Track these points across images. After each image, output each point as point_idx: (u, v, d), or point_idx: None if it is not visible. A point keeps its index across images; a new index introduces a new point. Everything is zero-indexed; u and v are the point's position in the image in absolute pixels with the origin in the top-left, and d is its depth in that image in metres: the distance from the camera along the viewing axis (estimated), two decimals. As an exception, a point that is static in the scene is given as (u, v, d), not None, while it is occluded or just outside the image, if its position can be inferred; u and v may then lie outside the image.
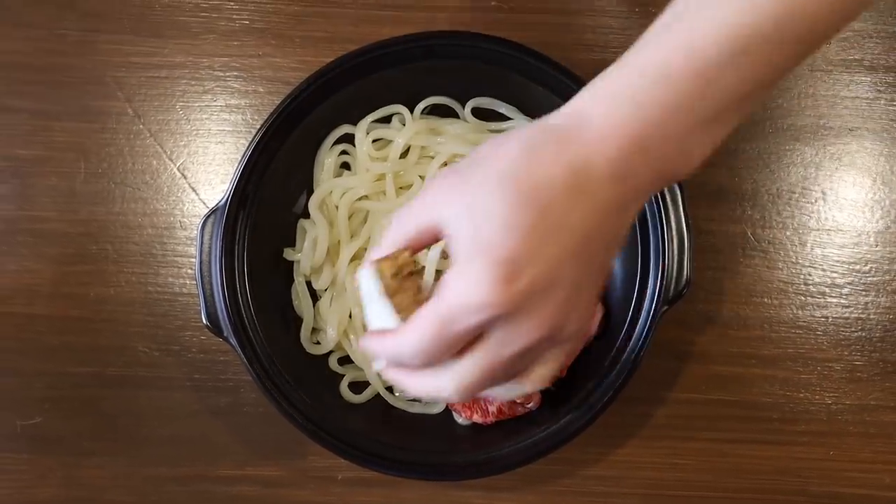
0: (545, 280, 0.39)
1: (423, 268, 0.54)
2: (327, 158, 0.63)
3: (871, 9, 0.50)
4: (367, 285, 0.47)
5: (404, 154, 0.63)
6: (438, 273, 0.60)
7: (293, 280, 0.62)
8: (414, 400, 0.61)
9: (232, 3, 0.67)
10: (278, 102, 0.59)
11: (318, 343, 0.62)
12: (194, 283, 0.65)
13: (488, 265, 0.38)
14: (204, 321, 0.58)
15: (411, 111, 0.63)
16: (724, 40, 0.37)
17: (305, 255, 0.61)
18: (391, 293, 0.46)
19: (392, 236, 0.43)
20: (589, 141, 0.38)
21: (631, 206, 0.40)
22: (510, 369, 0.42)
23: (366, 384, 0.61)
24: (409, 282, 0.48)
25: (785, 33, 0.37)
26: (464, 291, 0.38)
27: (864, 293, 0.66)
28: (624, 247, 0.60)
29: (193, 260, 0.65)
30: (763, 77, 0.38)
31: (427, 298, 0.43)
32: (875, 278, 0.66)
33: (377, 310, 0.48)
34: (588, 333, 0.60)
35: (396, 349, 0.42)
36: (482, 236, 0.38)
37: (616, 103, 0.39)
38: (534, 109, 0.62)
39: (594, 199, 0.39)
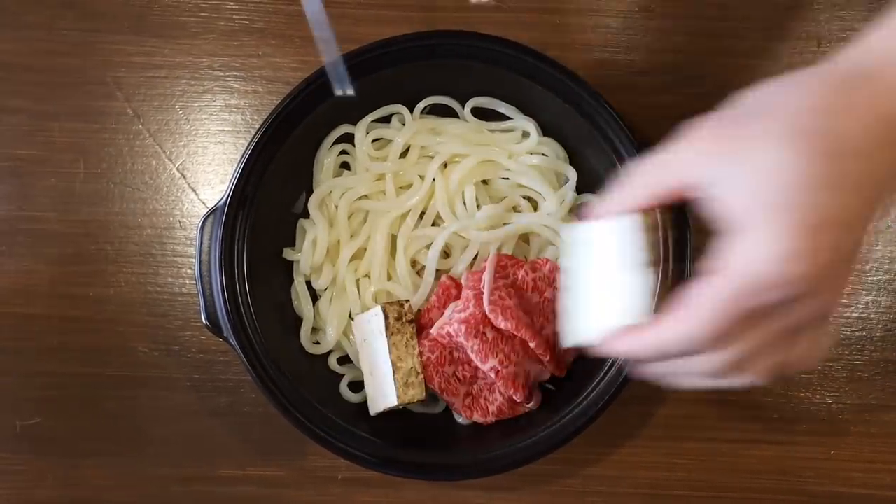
0: (847, 251, 0.34)
1: (413, 320, 0.58)
2: (327, 158, 0.62)
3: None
4: (376, 322, 0.51)
5: (404, 154, 0.63)
6: (439, 273, 0.60)
7: (293, 280, 0.62)
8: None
9: (231, 3, 0.67)
10: (278, 102, 0.59)
11: (318, 343, 0.62)
12: (194, 283, 0.65)
13: (795, 230, 0.33)
14: (204, 321, 0.58)
15: (411, 111, 0.63)
16: None
17: (305, 254, 0.61)
18: (391, 333, 0.50)
19: (630, 191, 0.38)
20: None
21: None
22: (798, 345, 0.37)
23: (366, 384, 0.61)
24: (408, 327, 0.54)
25: None
26: (763, 263, 0.33)
27: (864, 292, 0.65)
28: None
29: (193, 260, 0.65)
30: None
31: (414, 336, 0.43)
32: (876, 277, 0.66)
33: (377, 347, 0.51)
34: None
35: (676, 335, 0.36)
36: (778, 198, 0.33)
37: None
38: (533, 109, 0.62)
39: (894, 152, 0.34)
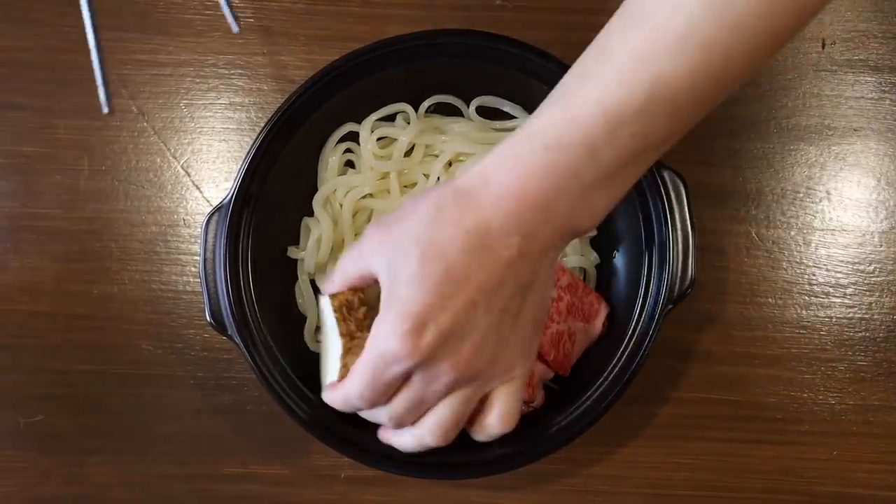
0: (453, 330, 0.43)
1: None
2: (331, 157, 0.62)
3: (732, 96, 0.51)
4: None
5: (409, 152, 0.63)
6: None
7: (297, 278, 0.62)
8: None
9: (237, 1, 0.67)
10: (283, 100, 0.59)
11: (321, 342, 0.61)
12: (198, 280, 0.65)
13: (400, 319, 0.43)
14: (208, 319, 0.58)
15: (416, 109, 0.63)
16: (602, 114, 0.41)
17: (309, 253, 0.61)
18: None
19: (338, 279, 0.49)
20: (486, 203, 0.42)
21: (542, 256, 0.44)
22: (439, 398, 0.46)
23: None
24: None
25: (655, 111, 0.41)
26: (382, 344, 0.44)
27: (868, 293, 0.65)
28: (628, 246, 0.60)
29: (197, 258, 0.65)
30: (643, 146, 0.42)
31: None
32: (879, 278, 0.66)
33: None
34: (587, 341, 0.60)
35: (346, 397, 0.47)
36: (396, 290, 0.43)
37: (512, 167, 0.42)
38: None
39: (495, 254, 0.43)
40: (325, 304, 0.53)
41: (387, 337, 0.43)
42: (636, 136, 0.42)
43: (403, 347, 0.43)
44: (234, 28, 0.59)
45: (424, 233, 0.43)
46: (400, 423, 0.48)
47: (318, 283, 0.62)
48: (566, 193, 0.42)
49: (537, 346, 0.49)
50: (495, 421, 0.48)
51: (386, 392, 0.46)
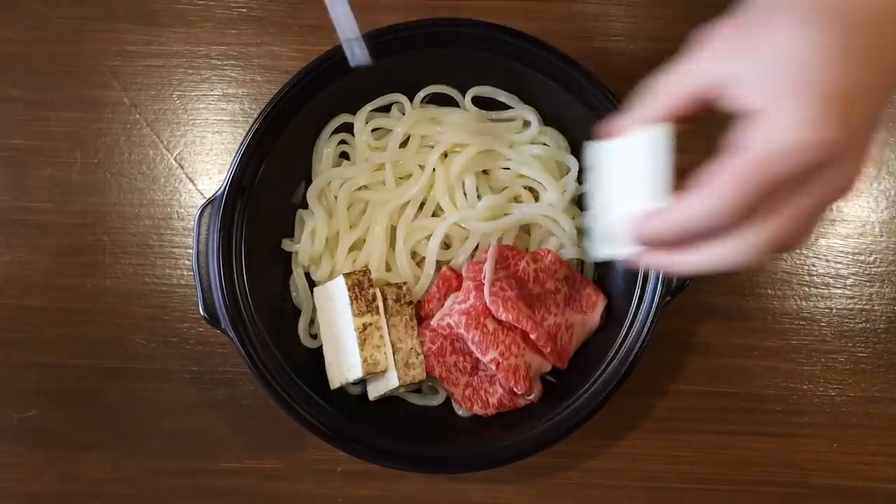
0: (869, 119, 0.36)
1: (411, 302, 0.59)
2: (326, 148, 0.62)
3: None
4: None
5: (404, 143, 0.62)
6: (439, 264, 0.60)
7: (291, 271, 0.62)
8: (415, 391, 0.61)
9: (229, -9, 0.67)
10: (276, 91, 0.58)
11: (315, 336, 0.61)
12: (192, 274, 0.64)
13: (817, 102, 0.34)
14: (201, 313, 0.57)
15: (411, 100, 0.62)
16: None
17: (304, 245, 0.61)
18: (389, 314, 0.51)
19: (653, 102, 0.39)
20: None
21: None
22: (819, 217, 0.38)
23: (365, 376, 0.61)
24: (406, 308, 0.55)
25: None
26: (787, 130, 0.34)
27: (868, 284, 0.65)
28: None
29: (191, 251, 0.64)
30: None
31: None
32: (880, 269, 0.65)
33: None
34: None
35: (694, 215, 0.37)
36: (803, 76, 0.34)
37: None
38: (534, 98, 0.62)
39: None
40: (327, 290, 0.53)
41: (794, 122, 0.34)
42: None
43: (825, 129, 0.34)
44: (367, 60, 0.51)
45: (827, 3, 0.35)
46: (782, 246, 0.37)
47: (313, 276, 0.61)
48: None
49: None
50: (817, 218, 0.38)
51: (768, 197, 0.35)
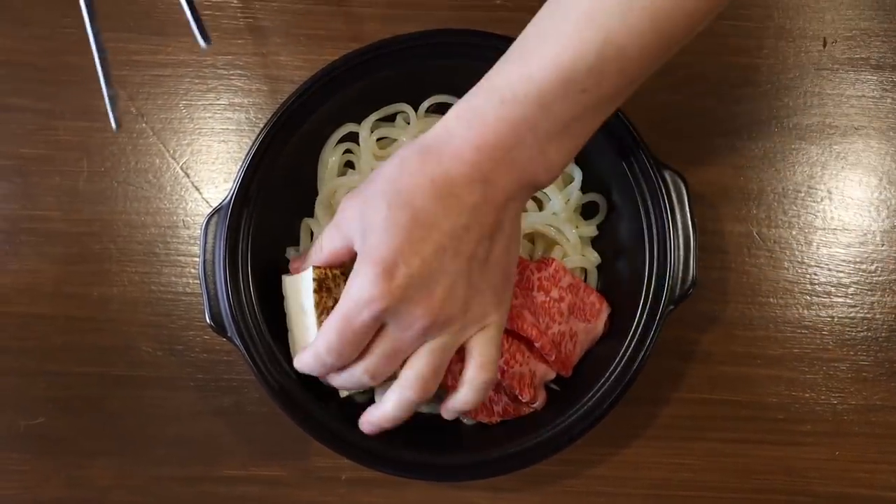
0: (423, 273, 0.45)
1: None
2: (331, 157, 0.62)
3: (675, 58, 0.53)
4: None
5: (409, 153, 0.62)
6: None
7: (297, 279, 0.62)
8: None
9: (235, 2, 0.67)
10: (282, 101, 0.58)
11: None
12: (197, 282, 0.64)
13: (371, 265, 0.45)
14: (207, 321, 0.57)
15: (416, 110, 0.62)
16: (555, 71, 0.44)
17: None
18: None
19: (318, 254, 0.51)
20: (448, 154, 0.45)
21: (505, 204, 0.47)
22: (415, 348, 0.48)
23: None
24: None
25: (604, 68, 0.44)
26: (356, 291, 0.46)
27: (870, 293, 0.65)
28: (629, 246, 0.60)
29: (197, 259, 0.64)
30: (595, 101, 0.45)
31: None
32: (881, 278, 0.65)
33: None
34: (593, 334, 0.60)
35: (316, 353, 0.49)
36: (369, 243, 0.46)
37: (471, 120, 0.46)
38: (539, 108, 0.62)
39: (460, 200, 0.45)
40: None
41: (359, 284, 0.46)
42: (588, 91, 0.45)
43: (375, 289, 0.45)
44: (203, 43, 0.55)
45: (391, 185, 0.46)
46: (376, 375, 0.49)
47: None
48: (523, 145, 0.45)
49: (510, 297, 0.51)
50: (474, 371, 0.50)
51: (357, 342, 0.47)
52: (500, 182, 0.46)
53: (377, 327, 0.47)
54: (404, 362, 0.49)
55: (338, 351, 0.48)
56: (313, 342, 0.49)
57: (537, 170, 0.47)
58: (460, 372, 0.53)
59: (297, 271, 0.54)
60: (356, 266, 0.47)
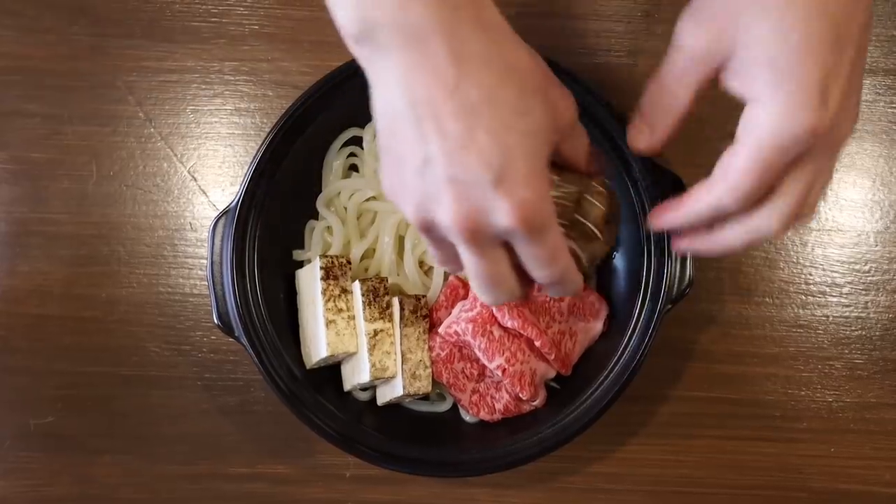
0: (847, 87, 0.39)
1: (427, 315, 0.61)
2: (336, 161, 0.63)
3: None
4: (314, 275, 0.58)
5: (411, 156, 0.63)
6: (446, 273, 0.61)
7: (302, 280, 0.63)
8: (422, 398, 0.62)
9: (241, 9, 0.68)
10: (288, 106, 0.60)
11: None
12: (205, 284, 0.66)
13: (800, 91, 0.38)
14: (215, 321, 0.59)
15: (418, 114, 0.63)
16: None
17: (315, 247, 0.62)
18: (404, 325, 0.58)
19: (672, 101, 0.44)
20: None
21: None
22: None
23: (374, 383, 0.62)
24: (421, 321, 0.61)
25: None
26: (779, 123, 0.38)
27: (864, 292, 0.66)
28: (628, 247, 0.61)
29: (204, 261, 0.66)
30: None
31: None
32: (875, 278, 0.67)
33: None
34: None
35: (719, 200, 0.41)
36: (783, 62, 0.38)
37: None
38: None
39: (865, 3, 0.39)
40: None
41: (787, 116, 0.38)
42: None
43: (813, 119, 0.38)
44: None
45: None
46: (791, 218, 0.42)
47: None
48: None
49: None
50: (820, 189, 0.43)
51: (771, 183, 0.40)
52: None
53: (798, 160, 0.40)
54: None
55: (749, 197, 0.41)
56: (713, 189, 0.41)
57: None
58: (476, 379, 0.55)
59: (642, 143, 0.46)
60: (767, 94, 0.39)
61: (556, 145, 0.43)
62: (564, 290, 0.44)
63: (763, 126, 0.39)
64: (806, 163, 0.40)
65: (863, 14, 0.40)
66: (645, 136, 0.46)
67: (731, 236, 0.44)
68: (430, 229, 0.40)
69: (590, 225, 0.52)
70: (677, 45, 0.43)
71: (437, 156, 0.38)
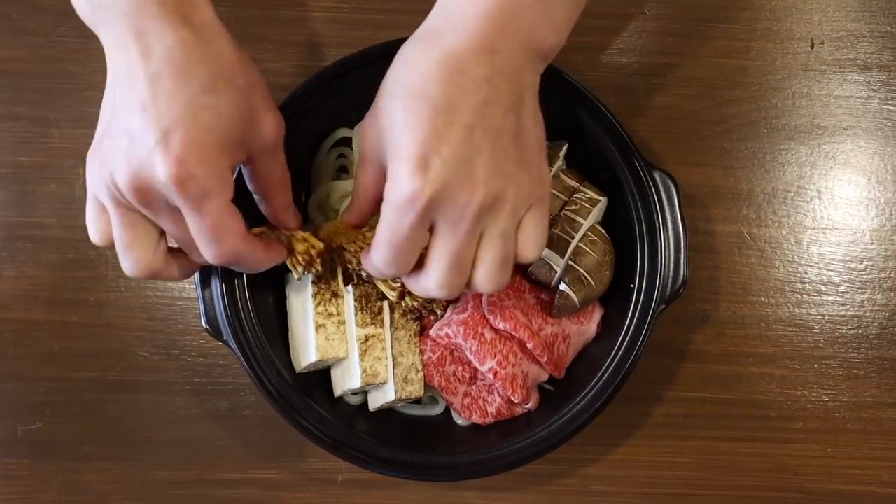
0: (456, 157, 0.43)
1: (418, 318, 0.61)
2: (325, 162, 0.63)
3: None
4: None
5: (401, 157, 0.63)
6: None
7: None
8: (414, 402, 0.62)
9: (227, 9, 0.67)
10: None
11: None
12: (193, 287, 0.65)
13: (402, 164, 0.43)
14: (204, 325, 0.58)
15: (408, 114, 0.63)
16: None
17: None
18: (395, 328, 0.58)
19: (360, 196, 0.49)
20: (449, 33, 0.44)
21: (519, 73, 0.45)
22: (476, 245, 0.46)
23: (365, 386, 0.62)
24: (412, 324, 0.60)
25: None
26: (394, 195, 0.43)
27: (860, 290, 0.66)
28: (620, 247, 0.60)
29: (192, 264, 0.65)
30: None
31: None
32: (871, 276, 0.66)
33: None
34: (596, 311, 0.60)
35: (374, 269, 0.47)
36: (395, 145, 0.44)
37: None
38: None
39: (471, 75, 0.43)
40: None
41: (396, 187, 0.43)
42: None
43: (413, 185, 0.42)
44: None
45: (399, 84, 0.44)
46: (451, 288, 0.46)
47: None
48: (524, 5, 0.44)
49: (548, 172, 0.48)
50: (530, 245, 0.47)
51: (411, 248, 0.45)
52: (507, 49, 0.44)
53: (426, 227, 0.44)
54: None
55: (394, 262, 0.45)
56: (370, 259, 0.47)
57: (545, 30, 0.45)
58: (468, 381, 0.54)
59: (353, 224, 0.53)
60: (389, 174, 0.44)
61: (252, 158, 0.49)
62: (246, 266, 0.50)
63: (386, 200, 0.44)
64: (439, 234, 0.44)
65: (471, 94, 0.43)
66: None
67: (414, 288, 0.48)
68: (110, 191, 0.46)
69: (582, 271, 0.57)
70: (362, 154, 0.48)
71: (119, 112, 0.45)
